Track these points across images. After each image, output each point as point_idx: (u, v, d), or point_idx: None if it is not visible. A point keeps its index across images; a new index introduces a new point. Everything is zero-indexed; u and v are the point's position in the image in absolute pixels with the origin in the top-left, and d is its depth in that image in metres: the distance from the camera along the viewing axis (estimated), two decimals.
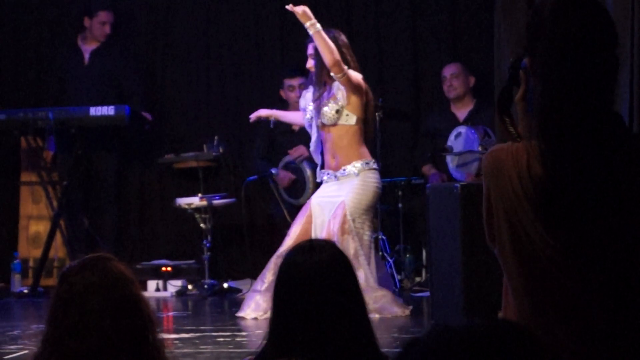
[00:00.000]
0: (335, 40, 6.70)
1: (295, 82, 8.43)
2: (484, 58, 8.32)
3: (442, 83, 8.56)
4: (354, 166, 6.77)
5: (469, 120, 8.22)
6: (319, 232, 6.72)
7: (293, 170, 8.34)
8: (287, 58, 9.05)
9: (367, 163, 6.80)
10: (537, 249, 2.54)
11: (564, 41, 2.56)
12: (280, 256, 6.67)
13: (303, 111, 7.02)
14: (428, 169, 8.46)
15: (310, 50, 6.83)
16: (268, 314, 6.79)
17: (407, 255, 8.30)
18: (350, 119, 6.78)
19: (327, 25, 6.85)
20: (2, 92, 9.31)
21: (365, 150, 6.86)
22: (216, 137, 8.68)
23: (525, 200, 2.55)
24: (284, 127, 8.45)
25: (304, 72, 7.35)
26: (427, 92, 9.04)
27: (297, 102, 7.69)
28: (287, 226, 7.18)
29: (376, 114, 8.05)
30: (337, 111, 6.76)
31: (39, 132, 8.53)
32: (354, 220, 6.66)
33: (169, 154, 8.95)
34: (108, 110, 8.48)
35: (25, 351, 5.57)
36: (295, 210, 7.65)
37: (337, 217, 6.66)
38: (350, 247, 6.57)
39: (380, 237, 8.07)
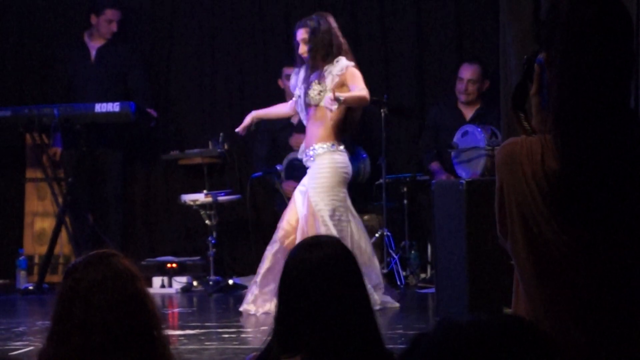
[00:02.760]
0: (325, 33, 6.83)
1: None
2: (490, 56, 8.28)
3: (456, 81, 8.47)
4: (321, 147, 6.82)
5: (476, 120, 8.18)
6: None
7: (298, 167, 8.33)
8: (293, 55, 9.03)
9: (332, 145, 6.84)
10: (551, 245, 2.51)
11: (581, 34, 2.54)
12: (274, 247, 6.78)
13: (294, 89, 7.07)
14: (434, 167, 8.39)
15: (301, 35, 6.93)
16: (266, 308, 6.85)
17: (412, 252, 8.29)
18: (333, 103, 6.79)
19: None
20: (7, 88, 9.31)
21: (336, 135, 6.88)
22: (221, 134, 8.68)
23: (538, 195, 2.52)
24: (283, 123, 8.45)
25: (303, 62, 7.35)
26: (432, 90, 9.02)
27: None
28: None
29: (381, 110, 8.06)
30: (320, 92, 6.81)
31: (44, 129, 8.52)
32: (317, 204, 6.70)
33: (174, 151, 8.94)
34: (113, 107, 8.48)
35: (31, 347, 5.59)
36: None
37: (306, 209, 6.73)
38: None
39: (385, 233, 8.07)
